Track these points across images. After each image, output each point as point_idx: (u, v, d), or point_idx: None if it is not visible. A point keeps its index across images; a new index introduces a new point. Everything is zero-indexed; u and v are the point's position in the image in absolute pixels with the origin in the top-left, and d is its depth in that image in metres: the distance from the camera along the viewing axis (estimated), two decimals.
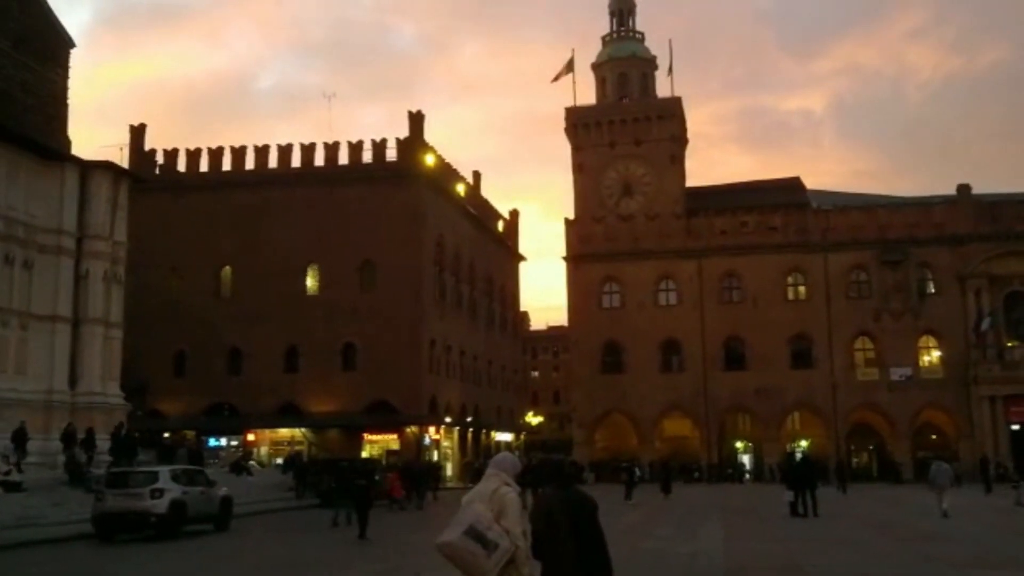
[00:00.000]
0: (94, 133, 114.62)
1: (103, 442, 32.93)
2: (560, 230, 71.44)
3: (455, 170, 62.12)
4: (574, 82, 72.92)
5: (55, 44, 38.17)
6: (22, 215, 34.38)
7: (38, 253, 34.98)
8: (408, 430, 52.23)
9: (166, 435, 47.80)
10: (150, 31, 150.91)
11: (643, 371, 63.41)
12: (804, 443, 61.33)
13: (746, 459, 65.51)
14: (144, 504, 20.51)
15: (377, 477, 30.20)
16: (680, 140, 73.17)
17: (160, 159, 57.18)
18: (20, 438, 29.61)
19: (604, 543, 6.21)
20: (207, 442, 49.95)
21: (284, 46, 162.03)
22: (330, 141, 55.67)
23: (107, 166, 38.84)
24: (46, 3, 37.79)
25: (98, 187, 37.54)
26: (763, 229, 64.10)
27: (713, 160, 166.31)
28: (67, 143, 38.15)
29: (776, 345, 61.93)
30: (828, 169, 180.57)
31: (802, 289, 63.64)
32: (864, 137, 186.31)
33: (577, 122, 72.32)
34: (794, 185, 70.90)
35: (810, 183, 71.75)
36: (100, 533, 20.64)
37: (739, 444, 66.09)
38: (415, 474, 34.72)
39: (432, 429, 54.17)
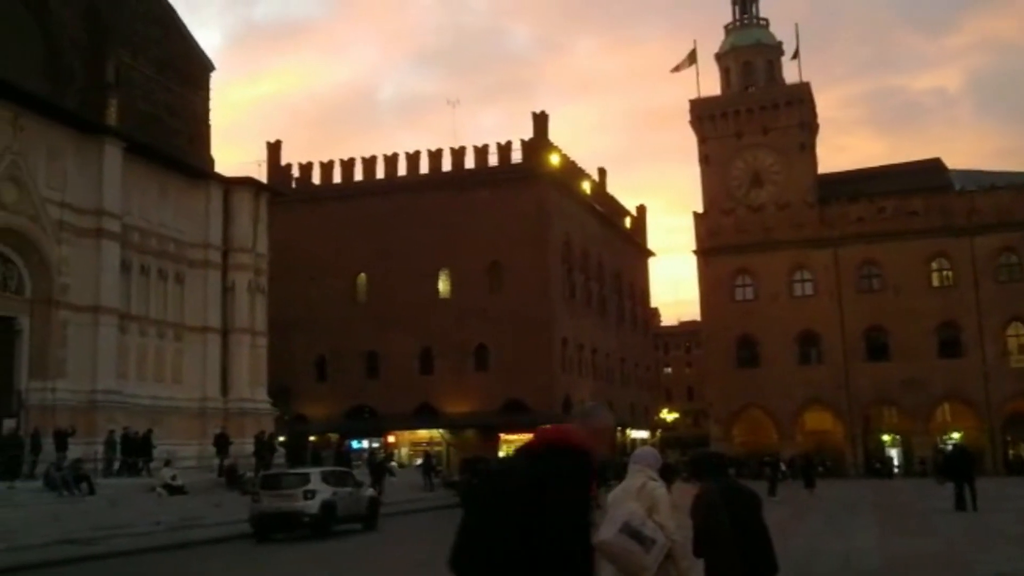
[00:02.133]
0: (231, 150, 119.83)
1: (251, 446, 34.44)
2: (687, 224, 70.46)
3: (580, 168, 62.07)
4: (697, 74, 71.83)
5: (196, 68, 40.10)
6: (173, 232, 36.27)
7: (188, 267, 36.83)
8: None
9: (311, 438, 49.46)
10: (276, 49, 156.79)
11: (780, 364, 61.83)
12: (956, 435, 58.51)
13: (894, 453, 63.03)
14: (297, 505, 21.26)
15: None
16: (810, 127, 70.99)
17: (296, 172, 59.30)
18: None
19: (769, 538, 6.07)
20: (350, 444, 51.39)
21: (403, 56, 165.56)
22: (455, 146, 56.71)
23: (248, 182, 40.56)
24: (186, 30, 39.74)
25: (240, 202, 39.26)
26: (902, 214, 61.54)
27: (843, 146, 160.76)
28: (211, 162, 40.03)
29: (921, 334, 59.34)
30: (966, 149, 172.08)
31: (948, 275, 60.79)
32: (1005, 113, 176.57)
33: (702, 114, 71.12)
34: (934, 167, 67.72)
35: (949, 164, 68.46)
36: (257, 533, 21.51)
37: (886, 437, 63.64)
38: None
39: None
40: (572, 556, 3.90)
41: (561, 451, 4.12)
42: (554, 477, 3.98)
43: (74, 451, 26.95)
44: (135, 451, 30.11)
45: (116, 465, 29.59)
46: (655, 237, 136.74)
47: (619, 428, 63.54)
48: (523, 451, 4.36)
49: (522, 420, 52.40)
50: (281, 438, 43.90)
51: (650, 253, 77.82)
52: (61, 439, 26.92)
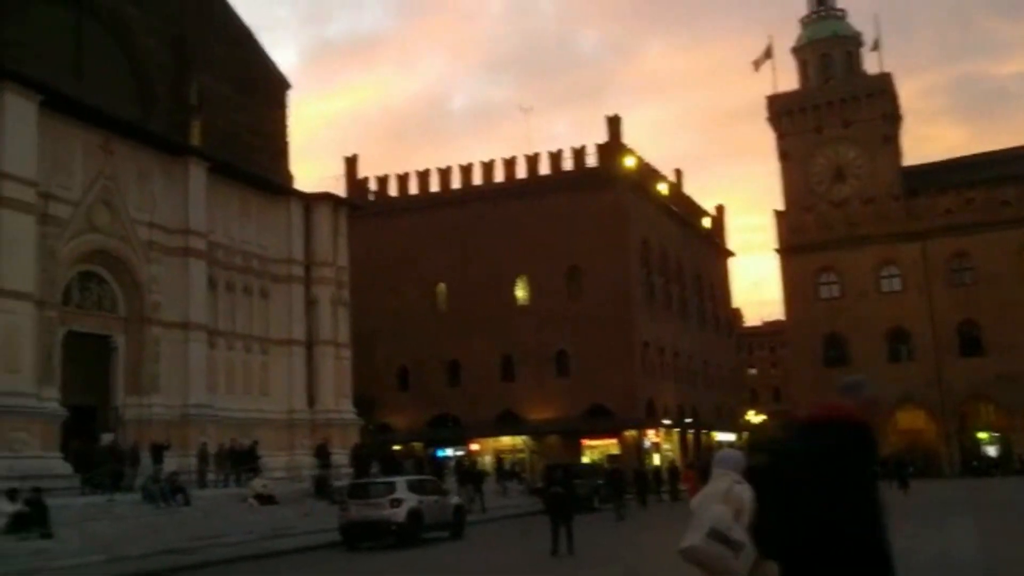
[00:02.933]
0: (309, 166, 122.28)
1: (340, 456, 35.01)
2: (767, 222, 69.57)
3: (655, 170, 61.56)
4: (774, 69, 70.72)
5: (274, 87, 41.00)
6: (256, 248, 37.12)
7: (272, 282, 37.64)
8: (627, 434, 52.13)
9: (396, 447, 50.01)
10: (350, 64, 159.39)
11: (869, 362, 60.24)
12: None
13: (992, 450, 60.87)
14: (384, 513, 21.50)
15: (578, 483, 29.24)
16: (892, 118, 69.27)
17: (373, 185, 60.14)
18: (250, 456, 31.88)
19: None
20: (435, 453, 51.81)
21: (474, 65, 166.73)
22: (529, 153, 56.77)
23: (327, 197, 41.28)
24: (263, 50, 40.68)
25: (320, 217, 39.99)
26: (993, 204, 59.59)
27: (928, 136, 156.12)
28: (290, 178, 40.84)
29: (1017, 327, 57.22)
30: None
31: None
32: None
33: (780, 109, 69.98)
34: None
35: None
36: (346, 541, 21.83)
37: (983, 435, 61.50)
38: (637, 477, 34.58)
39: (651, 432, 53.82)
40: (869, 526, 4.21)
41: (843, 425, 4.28)
42: (844, 450, 4.24)
43: (169, 464, 27.75)
44: (241, 462, 30.91)
45: (211, 476, 30.36)
46: (735, 237, 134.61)
47: (703, 431, 62.81)
48: (803, 429, 4.54)
49: (605, 425, 52.25)
50: (358, 445, 44.57)
51: (730, 253, 76.75)
52: (157, 452, 27.76)
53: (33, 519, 19.64)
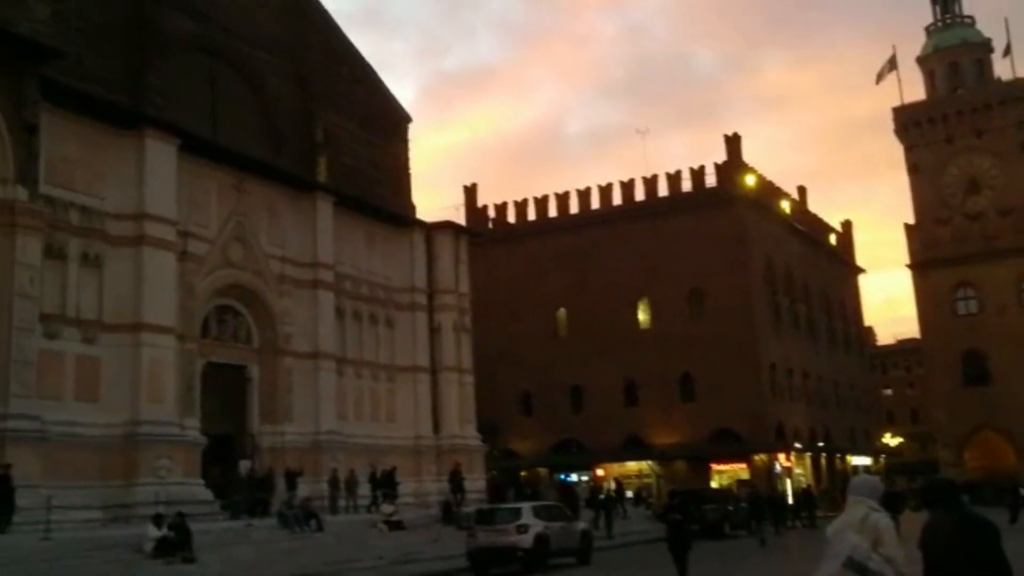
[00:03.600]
0: (430, 196, 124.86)
1: (469, 482, 35.34)
2: (896, 237, 67.02)
3: (777, 188, 60.29)
4: (899, 80, 68.42)
5: (395, 121, 42.12)
6: (381, 278, 38.09)
7: (396, 311, 38.52)
8: (756, 458, 50.88)
9: (522, 473, 50.18)
10: (466, 95, 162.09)
11: (1015, 380, 57.21)
12: None
13: None
14: (511, 539, 21.57)
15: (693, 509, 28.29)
16: None
17: (492, 213, 60.89)
18: (389, 481, 32.43)
19: (1009, 572, 5.57)
20: (560, 478, 51.72)
21: (588, 89, 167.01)
22: (647, 175, 56.47)
23: (448, 226, 42.05)
24: (384, 86, 41.86)
25: (442, 246, 40.76)
26: None
27: None
28: (412, 209, 41.79)
29: None
30: None
31: None
32: None
33: (907, 121, 67.56)
34: None
35: None
36: (474, 567, 21.97)
37: None
38: (764, 503, 33.62)
39: (782, 456, 52.35)
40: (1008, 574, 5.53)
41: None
42: (980, 522, 5.80)
43: (302, 489, 28.57)
44: (383, 487, 31.71)
45: (341, 502, 31.09)
46: (863, 253, 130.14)
47: (837, 455, 60.71)
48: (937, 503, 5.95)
49: (733, 450, 51.13)
50: (492, 473, 44.84)
51: (859, 270, 74.26)
52: (291, 479, 28.64)
53: (177, 544, 20.51)
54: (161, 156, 27.76)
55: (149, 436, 25.83)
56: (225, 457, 30.16)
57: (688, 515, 19.42)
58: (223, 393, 30.89)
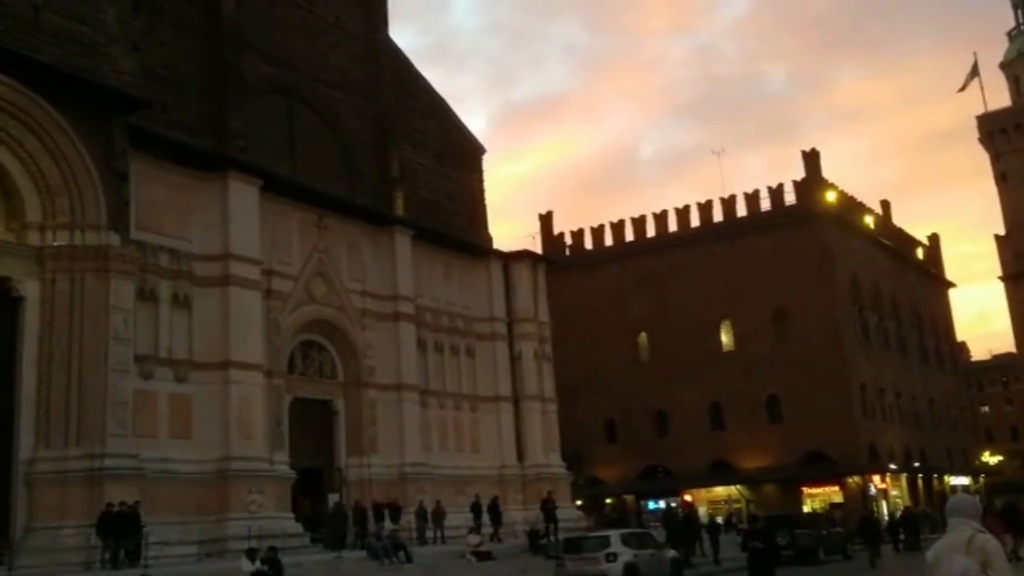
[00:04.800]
0: (505, 225, 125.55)
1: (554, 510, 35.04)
2: (986, 249, 64.92)
3: (859, 203, 59.03)
4: (981, 87, 66.52)
5: (469, 153, 42.54)
6: (460, 308, 38.34)
7: (477, 341, 38.68)
8: (850, 480, 49.50)
9: (607, 500, 49.64)
10: (537, 124, 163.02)
11: None
12: None
13: None
14: (600, 568, 21.31)
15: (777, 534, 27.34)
16: None
17: (568, 240, 60.90)
18: (492, 510, 32.50)
19: None
20: (646, 505, 51.05)
21: (659, 113, 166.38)
22: (724, 195, 55.98)
23: (525, 255, 42.17)
24: (458, 119, 42.35)
25: (519, 274, 40.88)
26: None
27: None
28: (489, 239, 42.04)
29: None
30: None
31: None
32: None
33: (992, 129, 65.69)
34: None
35: None
36: None
37: None
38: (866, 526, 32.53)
39: (876, 478, 50.82)
40: None
41: None
42: None
43: (388, 521, 28.69)
44: (480, 515, 32.14)
45: (429, 533, 31.14)
46: (952, 266, 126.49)
47: (934, 475, 58.69)
48: None
49: (825, 472, 49.84)
50: (579, 502, 44.47)
51: (949, 284, 72.02)
52: (378, 511, 28.82)
53: None
54: (244, 197, 28.48)
55: (240, 471, 26.30)
56: (314, 491, 30.55)
57: (770, 542, 18.73)
58: (310, 427, 31.34)
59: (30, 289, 22.73)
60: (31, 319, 22.62)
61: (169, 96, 28.51)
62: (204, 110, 29.60)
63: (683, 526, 30.59)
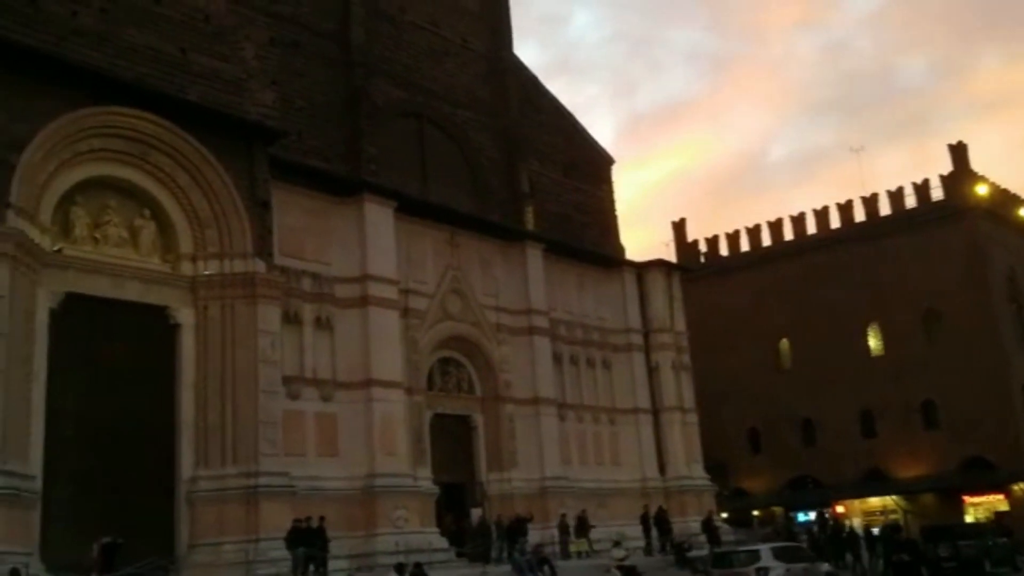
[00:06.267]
0: (636, 234, 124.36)
1: (685, 524, 34.54)
2: None
3: (1014, 195, 55.83)
4: None
5: (597, 164, 42.44)
6: (594, 320, 38.17)
7: (613, 352, 38.41)
8: (1016, 488, 46.69)
9: (754, 513, 48.34)
10: (663, 131, 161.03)
11: None
12: None
13: None
14: None
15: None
16: None
17: (702, 247, 59.90)
18: (660, 521, 32.44)
19: None
20: (795, 517, 49.46)
21: (789, 114, 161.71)
22: (864, 194, 54.01)
23: (659, 263, 41.65)
24: (585, 132, 42.32)
25: (654, 284, 40.39)
26: None
27: None
28: (621, 249, 41.77)
29: None
30: None
31: None
32: None
33: None
34: None
35: None
36: None
37: None
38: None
39: None
40: None
41: None
42: None
43: (532, 536, 28.72)
44: (661, 527, 32.44)
45: (571, 548, 31.01)
46: None
47: None
48: None
49: (987, 480, 47.24)
50: (723, 514, 43.46)
51: None
52: (521, 525, 28.86)
53: None
54: (379, 219, 29.21)
55: (386, 487, 26.87)
56: (456, 505, 30.90)
57: (917, 554, 17.73)
58: (450, 443, 31.74)
59: (185, 316, 23.90)
60: (187, 345, 23.77)
61: (305, 125, 29.58)
62: (338, 136, 30.58)
63: (835, 538, 29.48)
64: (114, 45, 24.86)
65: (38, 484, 19.89)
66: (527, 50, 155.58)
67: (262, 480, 22.99)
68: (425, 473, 28.85)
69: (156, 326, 23.49)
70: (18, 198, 20.10)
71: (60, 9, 23.95)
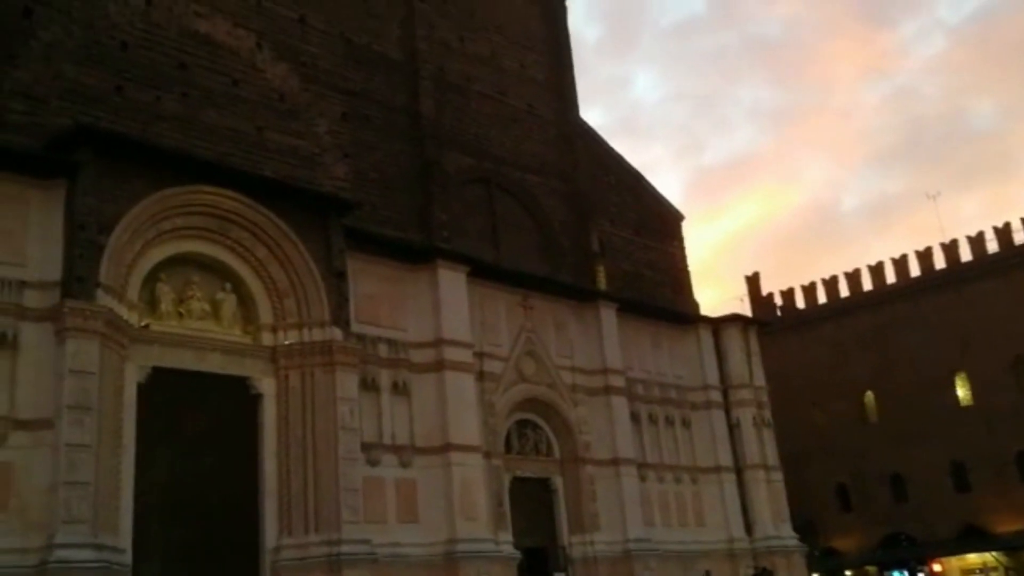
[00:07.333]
0: (709, 290, 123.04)
1: None
2: None
3: None
4: None
5: (668, 222, 42.37)
6: (671, 378, 37.74)
7: (692, 410, 37.86)
8: None
9: (847, 573, 46.66)
10: (731, 186, 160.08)
11: None
12: None
13: None
14: None
15: None
16: None
17: (778, 300, 59.05)
18: None
19: None
20: None
21: (859, 162, 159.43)
22: (944, 241, 52.82)
23: (735, 319, 41.13)
24: (654, 189, 42.39)
25: (730, 339, 39.85)
26: None
27: None
28: (695, 305, 41.41)
29: None
30: None
31: None
32: None
33: None
34: None
35: None
36: None
37: None
38: None
39: None
40: None
41: None
42: None
43: None
44: None
45: None
46: None
47: None
48: None
49: None
50: (815, 575, 42.06)
51: None
52: None
53: None
54: (453, 284, 29.52)
55: (467, 553, 26.68)
56: (539, 570, 30.50)
57: None
58: (531, 506, 31.45)
59: (267, 386, 24.39)
60: (268, 414, 24.20)
61: (378, 195, 30.24)
62: (410, 205, 31.16)
63: None
64: (195, 127, 25.89)
65: (128, 557, 20.24)
66: (592, 113, 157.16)
67: (344, 548, 23.07)
68: (506, 537, 28.60)
69: (238, 396, 23.99)
70: (107, 277, 20.90)
71: (144, 96, 25.07)
